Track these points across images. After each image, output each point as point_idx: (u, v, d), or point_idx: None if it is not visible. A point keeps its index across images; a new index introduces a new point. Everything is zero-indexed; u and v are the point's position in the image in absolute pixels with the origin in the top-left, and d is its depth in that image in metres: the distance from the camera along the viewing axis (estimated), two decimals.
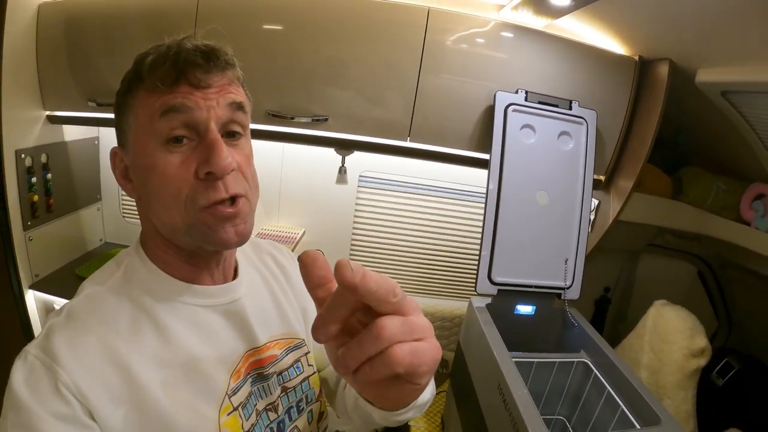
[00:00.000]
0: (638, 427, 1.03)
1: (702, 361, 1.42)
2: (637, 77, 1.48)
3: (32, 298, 1.64)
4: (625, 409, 1.11)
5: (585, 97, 1.48)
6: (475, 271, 2.00)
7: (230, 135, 0.60)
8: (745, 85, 1.22)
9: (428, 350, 0.39)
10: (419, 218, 1.98)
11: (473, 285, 2.02)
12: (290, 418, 0.71)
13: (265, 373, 0.68)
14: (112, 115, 1.58)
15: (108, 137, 1.90)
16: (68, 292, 1.57)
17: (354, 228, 1.97)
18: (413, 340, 0.38)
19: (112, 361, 0.54)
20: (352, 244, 1.99)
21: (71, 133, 1.74)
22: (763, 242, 1.44)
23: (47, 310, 1.65)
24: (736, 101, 1.30)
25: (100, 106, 1.54)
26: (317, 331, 0.39)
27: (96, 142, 1.89)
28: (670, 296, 1.62)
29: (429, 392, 0.72)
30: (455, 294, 2.09)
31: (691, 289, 1.96)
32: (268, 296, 0.75)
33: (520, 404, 0.96)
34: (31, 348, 0.53)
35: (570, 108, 1.45)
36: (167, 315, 0.60)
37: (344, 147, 1.63)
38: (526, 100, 1.43)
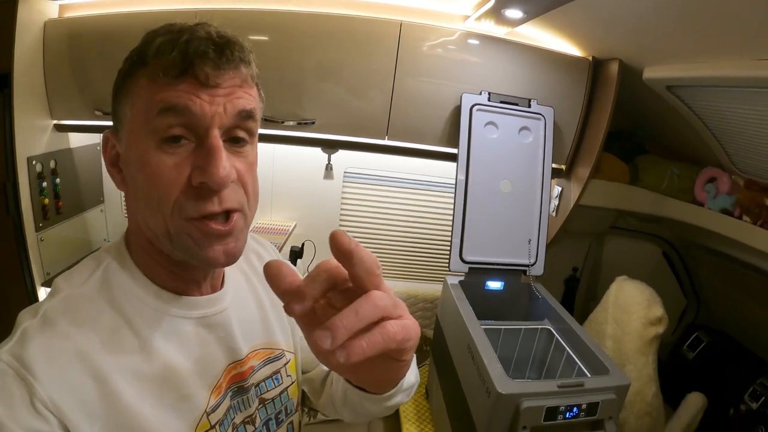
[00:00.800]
0: (589, 376, 1.19)
1: (660, 329, 1.56)
2: (591, 76, 1.64)
3: (44, 295, 1.77)
4: (581, 365, 1.26)
5: (544, 96, 1.64)
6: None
7: (235, 140, 0.55)
8: (686, 80, 1.38)
9: (413, 326, 0.40)
10: (399, 209, 2.14)
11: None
12: (268, 430, 0.69)
13: (245, 386, 0.66)
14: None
15: None
16: None
17: (341, 220, 2.13)
18: (398, 316, 0.39)
19: (89, 372, 0.50)
20: None
21: (76, 140, 1.88)
22: (716, 221, 1.60)
23: None
24: (681, 94, 1.46)
25: (106, 115, 1.68)
26: (291, 304, 0.38)
27: (98, 148, 2.02)
28: (637, 276, 1.75)
29: (414, 375, 0.72)
30: (435, 278, 2.26)
31: (658, 268, 2.11)
32: (253, 303, 0.72)
33: (484, 356, 1.11)
34: (2, 354, 0.48)
35: (529, 106, 1.62)
36: (148, 326, 0.56)
37: (329, 146, 1.78)
38: (489, 100, 1.59)
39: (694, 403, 1.60)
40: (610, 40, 1.49)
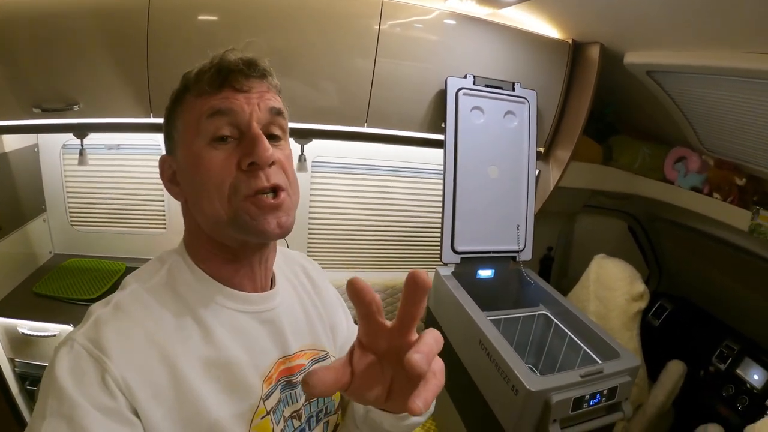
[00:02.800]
0: (600, 362, 1.20)
1: (642, 304, 1.63)
2: (571, 59, 1.65)
3: None
4: (587, 350, 1.28)
5: (525, 79, 1.62)
6: (430, 243, 2.15)
7: (271, 137, 0.62)
8: (667, 67, 1.41)
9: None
10: (373, 198, 2.07)
11: (431, 256, 2.17)
12: (310, 427, 0.72)
13: (293, 381, 0.69)
14: (55, 120, 1.51)
15: (48, 143, 1.81)
16: (30, 314, 1.54)
17: (310, 212, 2.03)
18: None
19: (158, 355, 0.54)
20: (309, 228, 2.05)
21: (9, 143, 1.63)
22: (686, 198, 1.68)
23: (10, 336, 1.55)
24: (660, 79, 1.49)
25: (45, 112, 1.46)
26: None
27: (36, 149, 1.79)
28: (605, 250, 1.82)
29: None
30: (413, 266, 2.21)
31: (623, 242, 2.21)
32: (299, 307, 0.76)
33: (504, 354, 1.09)
34: (77, 337, 0.52)
35: (513, 89, 1.60)
36: (209, 317, 0.61)
37: (302, 136, 1.68)
38: (474, 84, 1.55)
39: (675, 370, 1.68)
40: (592, 24, 1.49)
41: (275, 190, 0.60)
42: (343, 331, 0.83)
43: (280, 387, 0.67)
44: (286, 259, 0.82)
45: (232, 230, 0.60)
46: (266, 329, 0.67)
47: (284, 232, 0.61)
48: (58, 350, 0.52)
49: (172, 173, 0.66)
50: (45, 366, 0.53)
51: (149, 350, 0.54)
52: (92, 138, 1.72)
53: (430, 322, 1.60)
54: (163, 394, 0.53)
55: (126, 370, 0.51)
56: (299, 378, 0.69)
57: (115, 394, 0.49)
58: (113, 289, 0.72)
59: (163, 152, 0.68)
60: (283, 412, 0.66)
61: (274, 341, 0.67)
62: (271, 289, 0.71)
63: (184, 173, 0.63)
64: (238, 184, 0.58)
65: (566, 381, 1.04)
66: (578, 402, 1.03)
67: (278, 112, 0.63)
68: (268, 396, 0.63)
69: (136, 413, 0.50)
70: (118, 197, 1.90)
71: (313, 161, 1.95)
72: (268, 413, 0.62)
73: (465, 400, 1.32)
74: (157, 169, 0.67)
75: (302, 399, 0.70)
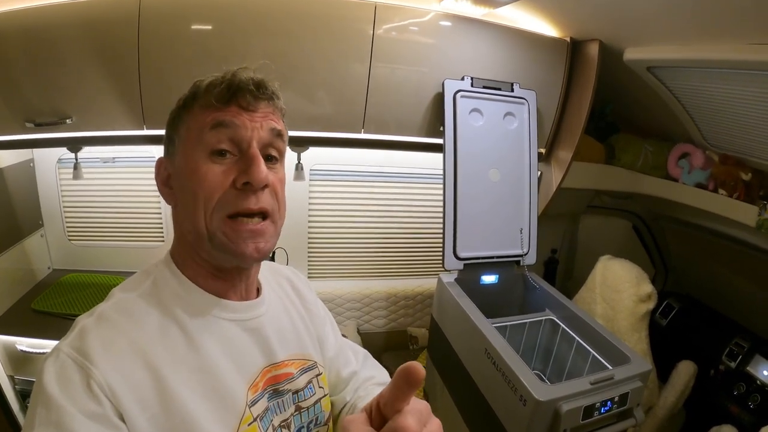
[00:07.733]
0: (610, 368, 1.17)
1: (650, 305, 1.60)
2: (570, 57, 1.62)
3: None
4: (596, 355, 1.25)
5: (524, 79, 1.60)
6: (433, 249, 2.13)
7: (268, 158, 0.65)
8: (668, 62, 1.39)
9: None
10: (373, 204, 2.04)
11: (433, 263, 2.14)
12: None
13: (280, 389, 0.70)
14: (48, 134, 1.48)
15: (43, 158, 1.79)
16: (29, 330, 1.52)
17: (309, 220, 2.00)
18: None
19: (142, 363, 0.55)
20: (309, 236, 2.01)
21: (4, 158, 1.62)
22: (691, 195, 1.65)
23: (9, 353, 1.54)
24: (661, 75, 1.47)
25: (38, 126, 1.45)
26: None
27: (31, 164, 1.77)
28: (610, 251, 1.79)
29: None
30: (415, 273, 2.18)
31: (628, 242, 2.18)
32: (285, 317, 0.78)
33: (511, 362, 1.07)
34: (63, 346, 0.54)
35: (512, 90, 1.57)
36: (194, 324, 0.62)
37: (299, 144, 1.65)
38: (472, 85, 1.53)
39: (685, 370, 1.65)
40: (590, 21, 1.47)
41: (262, 214, 0.63)
42: (331, 344, 0.85)
43: (267, 395, 0.67)
44: (273, 272, 0.84)
45: (210, 246, 0.62)
46: (251, 337, 0.68)
47: (262, 256, 0.64)
48: (45, 361, 0.53)
49: (167, 176, 0.67)
50: None
51: (133, 357, 0.55)
52: (87, 152, 1.70)
53: (434, 331, 1.58)
54: (148, 400, 0.54)
55: (110, 376, 0.51)
56: (287, 387, 0.71)
57: (101, 399, 0.50)
58: None
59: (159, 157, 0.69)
60: (272, 420, 0.67)
61: (259, 349, 0.69)
62: (256, 298, 0.73)
63: (179, 179, 0.64)
64: (226, 201, 0.60)
65: (576, 389, 1.02)
66: (589, 410, 1.00)
67: (278, 134, 0.65)
68: (254, 403, 0.64)
69: (122, 418, 0.51)
70: (115, 211, 1.89)
71: (310, 170, 1.94)
72: (255, 419, 0.63)
73: (472, 411, 1.29)
74: (154, 182, 0.68)
75: (290, 409, 0.71)
